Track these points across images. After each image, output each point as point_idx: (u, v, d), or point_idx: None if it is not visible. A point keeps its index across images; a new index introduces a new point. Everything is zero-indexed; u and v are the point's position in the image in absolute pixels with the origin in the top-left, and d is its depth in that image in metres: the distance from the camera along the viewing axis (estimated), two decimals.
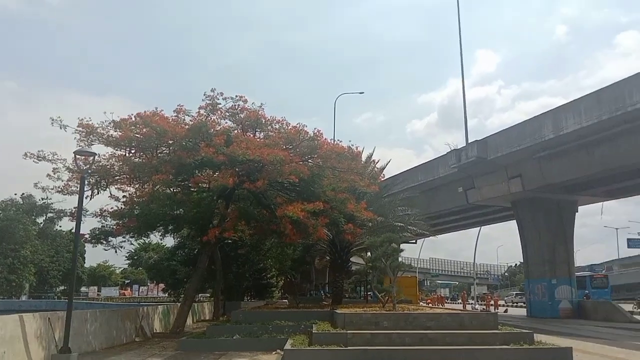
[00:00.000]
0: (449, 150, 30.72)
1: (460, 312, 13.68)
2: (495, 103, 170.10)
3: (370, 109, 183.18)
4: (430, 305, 38.94)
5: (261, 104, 16.45)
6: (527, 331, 11.38)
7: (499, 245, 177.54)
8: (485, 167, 28.67)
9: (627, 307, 32.99)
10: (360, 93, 52.77)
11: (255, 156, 14.33)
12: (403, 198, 23.30)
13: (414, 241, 48.59)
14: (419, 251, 66.59)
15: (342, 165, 16.73)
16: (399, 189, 26.90)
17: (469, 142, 29.99)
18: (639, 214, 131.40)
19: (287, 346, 10.61)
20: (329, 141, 17.25)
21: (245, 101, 16.31)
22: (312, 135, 15.98)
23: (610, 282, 67.40)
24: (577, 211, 31.20)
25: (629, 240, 49.11)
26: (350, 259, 28.57)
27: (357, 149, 18.43)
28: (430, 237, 37.55)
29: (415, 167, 36.77)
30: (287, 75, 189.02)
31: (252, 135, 16.61)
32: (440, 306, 40.18)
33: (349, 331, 10.76)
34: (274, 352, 11.46)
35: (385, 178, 28.13)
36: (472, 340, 10.62)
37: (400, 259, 20.46)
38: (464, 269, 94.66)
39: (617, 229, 64.07)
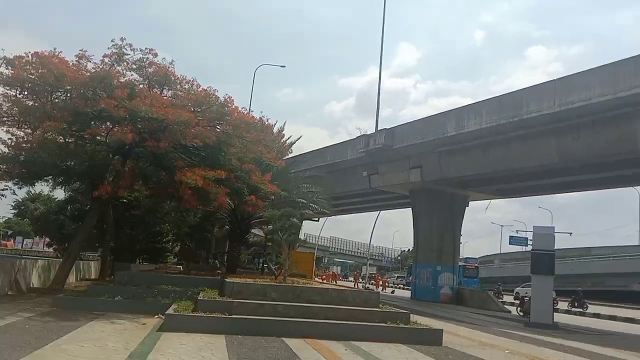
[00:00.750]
0: (359, 134, 31.50)
1: (345, 288, 14.18)
2: (410, 96, 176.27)
3: (291, 84, 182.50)
4: (324, 281, 40.10)
5: (172, 60, 15.74)
6: (404, 311, 12.09)
7: (396, 230, 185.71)
8: (390, 155, 29.72)
9: (508, 298, 36.11)
10: (281, 66, 52.25)
11: (159, 115, 13.71)
12: (309, 176, 23.61)
13: (317, 219, 49.65)
14: (320, 229, 67.99)
15: (251, 135, 16.53)
16: (308, 167, 27.23)
17: (378, 129, 30.89)
18: (524, 213, 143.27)
19: (170, 311, 10.42)
20: (241, 110, 16.94)
21: (155, 55, 15.48)
22: (222, 101, 15.58)
23: (491, 274, 73.50)
24: (468, 206, 33.44)
25: (511, 237, 53.08)
26: (252, 231, 28.58)
27: (267, 121, 18.30)
28: (333, 217, 38.46)
29: (325, 147, 37.24)
30: (210, 39, 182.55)
31: (158, 93, 15.86)
32: (334, 283, 41.45)
33: (235, 300, 10.77)
34: (155, 316, 11.19)
35: (295, 155, 28.32)
36: (352, 316, 11.08)
37: (301, 235, 20.84)
38: (360, 250, 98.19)
39: (502, 226, 69.50)
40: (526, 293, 28.93)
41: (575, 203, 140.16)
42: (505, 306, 28.54)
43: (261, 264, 29.78)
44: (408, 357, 9.03)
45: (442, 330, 11.46)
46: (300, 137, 34.41)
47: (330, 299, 11.75)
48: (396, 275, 64.38)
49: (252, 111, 17.57)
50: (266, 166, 18.09)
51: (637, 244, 61.86)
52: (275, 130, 20.89)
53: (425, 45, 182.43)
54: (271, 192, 17.01)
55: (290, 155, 26.88)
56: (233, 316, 10.20)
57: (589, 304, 32.70)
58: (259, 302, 10.80)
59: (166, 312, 10.29)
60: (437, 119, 26.85)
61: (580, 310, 30.18)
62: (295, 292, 11.63)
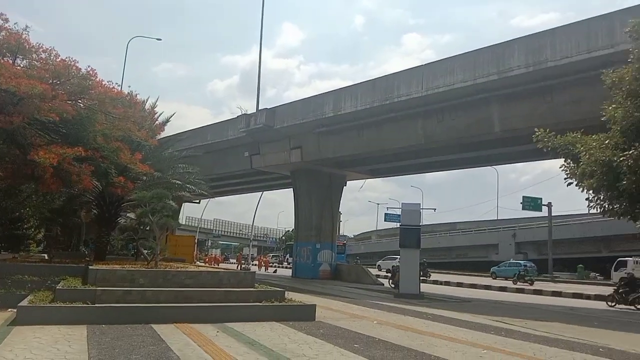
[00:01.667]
0: (240, 114, 31.04)
1: (220, 270, 14.00)
2: (294, 77, 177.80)
3: (171, 60, 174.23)
4: (206, 264, 39.37)
5: (26, 26, 14.14)
6: (279, 289, 12.23)
7: (281, 210, 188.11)
8: (272, 135, 29.71)
9: (374, 271, 38.16)
10: (157, 39, 49.63)
11: (10, 86, 12.29)
12: (187, 156, 22.76)
13: (197, 201, 48.45)
14: (202, 211, 66.65)
15: (118, 111, 15.44)
16: (186, 146, 26.23)
17: (259, 109, 30.68)
18: (399, 192, 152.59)
19: (24, 303, 9.50)
20: (106, 83, 15.71)
21: (7, 20, 13.82)
22: (84, 73, 14.35)
23: (369, 250, 77.16)
24: (346, 185, 34.65)
25: (385, 214, 56.37)
26: (128, 215, 26.96)
27: (136, 96, 17.24)
28: (217, 199, 37.59)
29: (205, 126, 36.24)
30: (81, 7, 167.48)
31: (10, 62, 14.18)
32: (216, 266, 40.88)
33: (99, 288, 10.10)
34: (8, 310, 10.15)
35: (173, 134, 27.07)
36: (227, 297, 10.96)
37: (181, 218, 20.08)
38: (244, 231, 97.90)
39: (378, 204, 73.30)
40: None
41: (443, 182, 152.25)
42: (380, 279, 30.18)
43: (134, 250, 28.37)
44: (280, 334, 9.14)
45: (315, 305, 11.77)
46: (174, 113, 32.43)
47: (204, 281, 11.50)
48: (271, 254, 65.63)
49: (129, 87, 16.39)
50: (137, 145, 17.09)
51: (495, 218, 68.84)
52: (147, 106, 19.68)
53: (308, 27, 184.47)
54: (143, 172, 16.13)
55: (165, 134, 25.70)
56: (96, 305, 9.57)
57: (455, 273, 35.77)
58: (126, 289, 10.24)
59: (19, 305, 9.35)
60: (316, 100, 27.30)
61: (424, 278, 32.55)
62: (166, 276, 11.20)
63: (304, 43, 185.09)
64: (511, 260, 43.70)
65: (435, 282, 32.91)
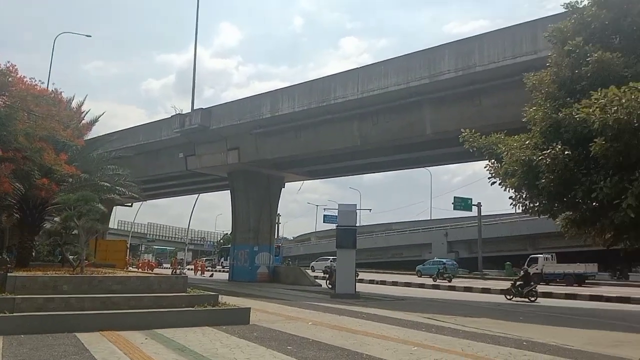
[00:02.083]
0: (175, 113, 30.22)
1: (150, 275, 13.56)
2: (233, 78, 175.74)
3: (102, 57, 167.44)
4: (139, 270, 37.97)
5: None
6: (212, 293, 11.98)
7: (219, 213, 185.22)
8: (208, 136, 29.14)
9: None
10: (87, 36, 47.57)
11: None
12: (117, 157, 21.91)
13: (130, 204, 46.71)
14: (135, 215, 64.35)
15: (42, 109, 14.63)
16: (118, 147, 25.26)
17: (195, 109, 30.01)
18: (338, 193, 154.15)
19: None
20: (28, 80, 14.83)
21: None
22: (3, 69, 13.52)
23: (307, 251, 77.27)
24: (284, 186, 34.54)
25: (324, 216, 56.80)
26: (55, 219, 25.53)
27: (61, 94, 16.42)
28: (152, 201, 36.37)
29: (138, 126, 35.04)
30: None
31: None
32: (149, 271, 39.56)
33: (18, 296, 9.48)
34: None
35: (103, 134, 25.97)
36: (158, 303, 10.59)
37: (113, 223, 19.22)
38: (179, 235, 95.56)
39: (317, 205, 73.68)
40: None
41: (380, 183, 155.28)
42: (317, 280, 30.30)
43: (61, 256, 26.93)
44: (212, 338, 8.93)
45: (250, 308, 11.62)
46: (103, 113, 30.15)
47: (133, 287, 11.06)
48: (204, 258, 64.59)
49: (53, 84, 15.56)
50: (62, 145, 16.28)
51: (429, 218, 71.00)
52: (74, 105, 18.78)
53: (247, 27, 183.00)
54: (68, 174, 15.43)
55: (96, 134, 24.63)
56: (15, 314, 8.98)
57: (391, 273, 36.49)
58: (48, 297, 9.68)
59: None
60: (253, 100, 27.05)
61: None
62: (92, 282, 10.69)
63: (242, 43, 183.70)
64: (435, 259, 45.28)
65: (372, 281, 33.46)
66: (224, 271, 49.14)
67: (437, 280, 33.29)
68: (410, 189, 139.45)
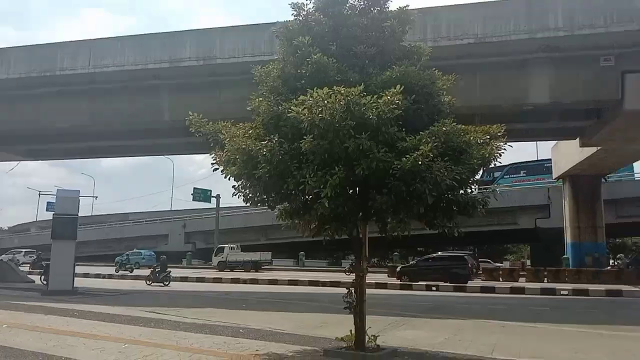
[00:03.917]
0: None
1: None
2: None
3: None
4: None
5: None
6: None
7: None
8: None
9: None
10: None
11: None
12: None
13: None
14: None
15: None
16: None
17: None
18: (70, 180, 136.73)
19: None
20: None
21: None
22: None
23: (24, 243, 67.36)
24: None
25: (48, 203, 50.25)
26: None
27: None
28: None
29: None
30: None
31: None
32: None
33: None
34: None
35: None
36: None
37: None
38: None
39: (40, 192, 64.26)
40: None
41: (120, 171, 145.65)
42: (29, 276, 26.39)
43: None
44: None
45: None
46: None
47: None
48: None
49: None
50: None
51: (169, 209, 69.46)
52: None
53: None
54: None
55: None
56: None
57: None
58: None
59: None
60: None
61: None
62: None
63: None
64: (134, 250, 45.37)
65: (98, 275, 30.79)
66: None
67: (120, 272, 33.56)
68: (155, 178, 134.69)
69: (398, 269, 27.77)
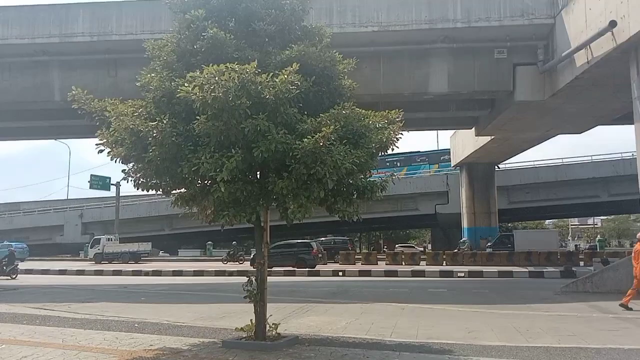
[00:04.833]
0: None
1: None
2: None
3: None
4: None
5: None
6: None
7: None
8: None
9: None
10: None
11: None
12: None
13: None
14: None
15: None
16: None
17: None
18: None
19: None
20: None
21: None
22: None
23: None
24: None
25: None
26: None
27: None
28: None
29: None
30: None
31: None
32: None
33: None
34: None
35: None
36: None
37: None
38: None
39: None
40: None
41: (11, 156, 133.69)
42: None
43: None
44: None
45: None
46: None
47: None
48: None
49: None
50: None
51: (65, 198, 64.78)
52: None
53: None
54: None
55: None
56: None
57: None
58: None
59: None
60: None
61: None
62: None
63: None
64: (5, 242, 42.13)
65: None
66: None
67: None
68: (52, 164, 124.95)
69: (252, 255, 27.95)
